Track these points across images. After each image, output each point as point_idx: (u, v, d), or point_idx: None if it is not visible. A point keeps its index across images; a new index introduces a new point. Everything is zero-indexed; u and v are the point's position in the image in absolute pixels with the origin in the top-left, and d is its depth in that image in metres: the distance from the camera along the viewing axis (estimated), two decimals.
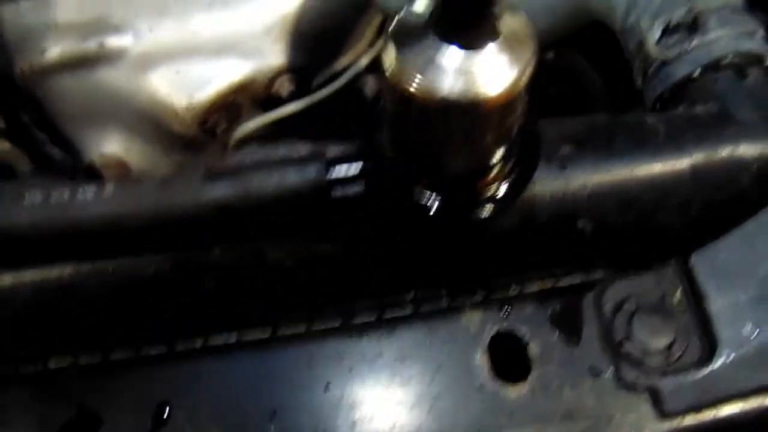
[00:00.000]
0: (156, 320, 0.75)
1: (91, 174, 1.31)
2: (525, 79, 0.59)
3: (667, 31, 0.85)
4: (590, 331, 0.73)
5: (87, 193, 0.67)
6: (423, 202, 0.65)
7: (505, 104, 0.59)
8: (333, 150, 0.76)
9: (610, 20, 0.94)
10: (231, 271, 0.73)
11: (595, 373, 0.71)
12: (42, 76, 1.26)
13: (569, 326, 0.73)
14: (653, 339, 0.71)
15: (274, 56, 1.31)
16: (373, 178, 0.67)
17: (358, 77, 1.39)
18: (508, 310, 0.74)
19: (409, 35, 0.59)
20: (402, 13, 0.61)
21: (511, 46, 0.59)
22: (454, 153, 0.64)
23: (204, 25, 1.27)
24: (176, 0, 1.28)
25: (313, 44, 1.34)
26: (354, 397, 0.72)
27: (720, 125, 0.78)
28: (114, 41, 1.26)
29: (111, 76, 1.26)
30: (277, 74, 1.32)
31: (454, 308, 0.75)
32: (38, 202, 0.66)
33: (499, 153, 0.65)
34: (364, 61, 1.38)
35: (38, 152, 1.39)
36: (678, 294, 0.73)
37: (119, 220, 0.66)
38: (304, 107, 1.32)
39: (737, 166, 0.76)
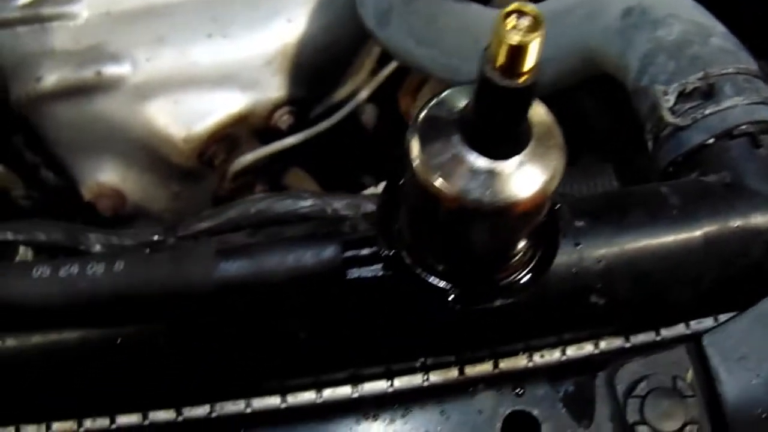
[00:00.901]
0: (163, 386, 0.74)
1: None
2: (554, 184, 0.58)
3: (681, 97, 0.84)
4: (602, 413, 0.72)
5: (97, 267, 0.66)
6: (440, 292, 0.64)
7: (533, 209, 0.59)
8: (349, 227, 0.75)
9: (621, 77, 0.93)
10: (242, 340, 0.72)
11: None
12: (38, 103, 1.24)
13: (581, 407, 0.73)
14: (665, 422, 0.71)
15: (274, 88, 1.29)
16: (389, 262, 0.66)
17: (357, 107, 1.38)
18: (521, 392, 0.73)
19: (436, 131, 0.58)
20: (432, 104, 0.60)
21: (541, 152, 0.58)
22: (475, 250, 0.63)
23: (203, 56, 1.25)
24: (175, 30, 1.26)
25: (313, 76, 1.33)
26: None
27: (733, 195, 0.77)
28: (111, 70, 1.24)
29: (108, 105, 1.24)
30: (277, 106, 1.30)
31: (466, 383, 0.75)
32: (47, 276, 0.65)
33: (521, 245, 0.64)
34: (364, 93, 1.37)
35: (32, 176, 1.37)
36: (689, 376, 0.72)
37: (128, 294, 0.65)
38: (303, 140, 1.31)
39: (750, 237, 0.75)
